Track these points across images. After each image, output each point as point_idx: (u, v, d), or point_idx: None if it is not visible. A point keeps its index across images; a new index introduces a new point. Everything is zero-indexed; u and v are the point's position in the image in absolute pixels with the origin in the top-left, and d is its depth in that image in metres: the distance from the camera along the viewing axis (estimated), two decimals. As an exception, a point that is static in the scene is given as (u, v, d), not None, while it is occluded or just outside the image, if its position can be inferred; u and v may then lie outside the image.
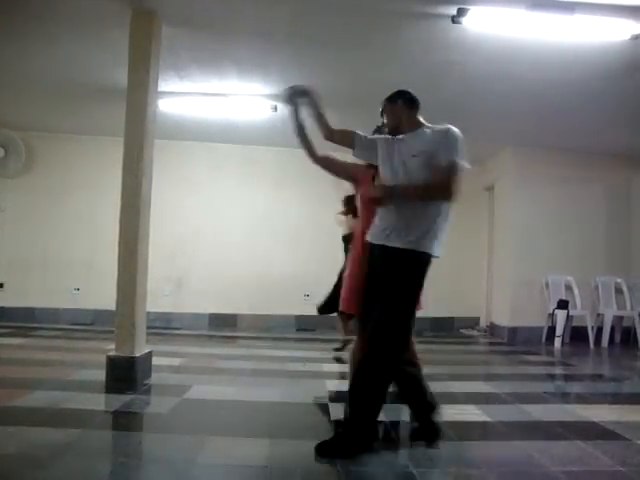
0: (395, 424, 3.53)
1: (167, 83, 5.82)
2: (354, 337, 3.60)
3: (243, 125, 7.42)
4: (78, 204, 8.27)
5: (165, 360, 5.24)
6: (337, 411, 3.86)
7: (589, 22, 4.21)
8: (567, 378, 5.81)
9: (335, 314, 5.82)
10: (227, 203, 8.65)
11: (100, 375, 4.32)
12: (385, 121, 3.30)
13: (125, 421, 3.53)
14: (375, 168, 3.30)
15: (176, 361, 5.45)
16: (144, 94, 4.44)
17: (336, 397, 4.28)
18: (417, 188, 2.96)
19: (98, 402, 3.86)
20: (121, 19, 4.37)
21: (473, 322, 9.06)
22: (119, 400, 3.85)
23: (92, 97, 6.44)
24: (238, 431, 3.32)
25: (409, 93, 3.27)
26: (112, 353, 4.35)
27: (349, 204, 5.94)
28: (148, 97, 4.46)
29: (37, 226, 8.22)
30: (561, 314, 7.59)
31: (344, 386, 4.80)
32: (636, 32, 4.27)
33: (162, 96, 5.86)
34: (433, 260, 3.05)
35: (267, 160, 8.70)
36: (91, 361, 5.03)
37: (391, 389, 3.11)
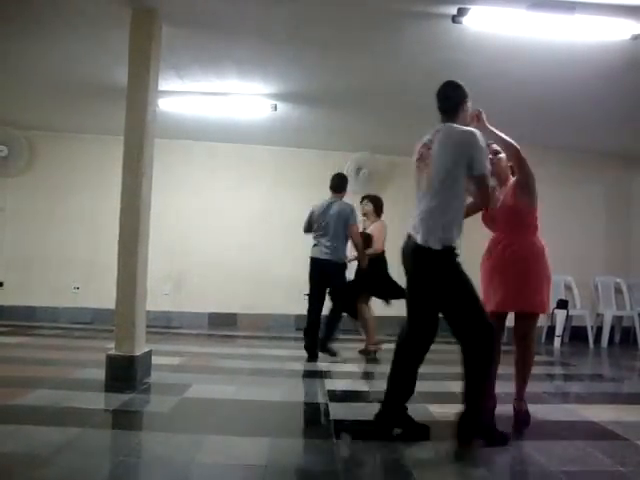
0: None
1: (167, 82, 5.82)
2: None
3: (243, 124, 7.42)
4: (79, 203, 8.28)
5: (165, 359, 5.24)
6: (336, 410, 3.87)
7: (589, 22, 4.21)
8: (567, 378, 5.82)
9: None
10: (227, 202, 8.64)
11: (100, 374, 4.32)
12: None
13: (125, 420, 3.54)
14: None
15: (176, 360, 5.45)
16: (144, 93, 4.44)
17: (335, 396, 4.29)
18: None
19: (98, 401, 3.86)
20: (121, 18, 4.36)
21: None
22: (119, 399, 3.85)
23: (93, 96, 6.44)
24: (238, 430, 3.32)
25: None
26: (112, 352, 4.35)
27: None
28: (148, 96, 4.46)
29: (38, 225, 8.22)
30: (561, 314, 7.59)
31: (344, 385, 4.82)
32: (636, 32, 4.27)
33: (162, 95, 5.86)
34: None
35: (266, 159, 8.70)
36: (91, 360, 5.02)
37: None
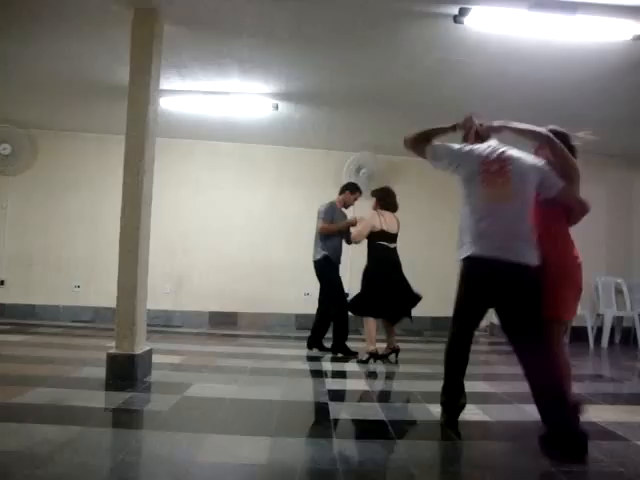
0: (394, 422, 3.53)
1: (169, 81, 5.82)
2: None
3: (244, 123, 7.42)
4: (80, 201, 8.29)
5: (165, 358, 5.25)
6: (337, 410, 3.87)
7: (591, 22, 4.20)
8: (567, 378, 5.80)
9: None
10: (228, 201, 8.65)
11: (100, 372, 4.33)
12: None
13: (125, 418, 3.54)
14: None
15: (176, 359, 5.46)
16: (146, 92, 4.44)
17: (335, 396, 4.29)
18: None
19: (98, 399, 3.87)
20: (123, 17, 4.37)
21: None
22: (119, 397, 3.85)
23: (95, 95, 6.45)
24: (238, 429, 3.32)
25: None
26: (112, 350, 4.36)
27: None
28: (150, 95, 4.46)
29: (38, 223, 8.23)
30: (561, 314, 7.57)
31: (344, 385, 4.83)
32: (638, 32, 4.27)
33: (163, 94, 5.86)
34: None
35: (268, 158, 8.70)
36: (91, 358, 5.03)
37: None
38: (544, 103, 6.14)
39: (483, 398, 4.30)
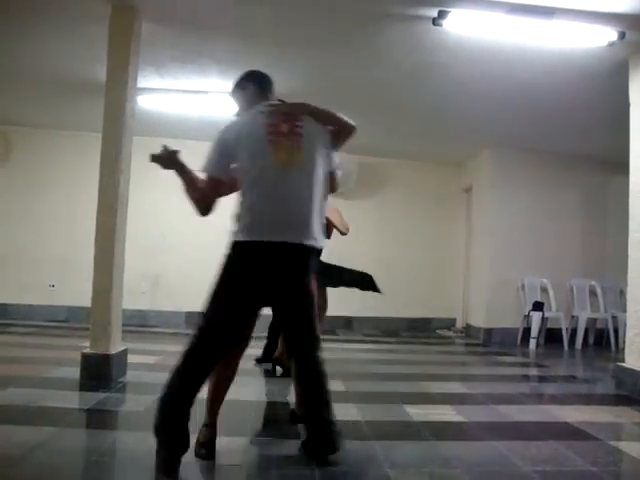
0: (369, 423, 3.54)
1: (146, 79, 5.77)
2: None
3: (223, 123, 7.36)
4: (55, 200, 8.17)
5: (141, 358, 5.20)
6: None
7: (567, 28, 4.27)
8: (541, 379, 5.88)
9: None
10: (206, 201, 8.58)
11: (74, 373, 4.28)
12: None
13: (99, 419, 3.50)
14: None
15: (152, 359, 5.41)
16: (123, 90, 4.39)
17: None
18: None
19: (72, 400, 3.82)
20: (101, 14, 4.32)
21: (449, 323, 9.11)
22: (93, 398, 3.81)
23: (72, 92, 6.37)
24: (214, 430, 3.30)
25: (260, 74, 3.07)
26: (87, 350, 4.31)
27: None
28: (127, 93, 4.41)
29: (12, 221, 8.09)
30: (536, 316, 7.67)
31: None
32: (612, 39, 4.34)
33: (141, 92, 5.81)
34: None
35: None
36: (65, 358, 4.96)
37: None
38: (522, 105, 6.22)
39: (458, 399, 4.33)
